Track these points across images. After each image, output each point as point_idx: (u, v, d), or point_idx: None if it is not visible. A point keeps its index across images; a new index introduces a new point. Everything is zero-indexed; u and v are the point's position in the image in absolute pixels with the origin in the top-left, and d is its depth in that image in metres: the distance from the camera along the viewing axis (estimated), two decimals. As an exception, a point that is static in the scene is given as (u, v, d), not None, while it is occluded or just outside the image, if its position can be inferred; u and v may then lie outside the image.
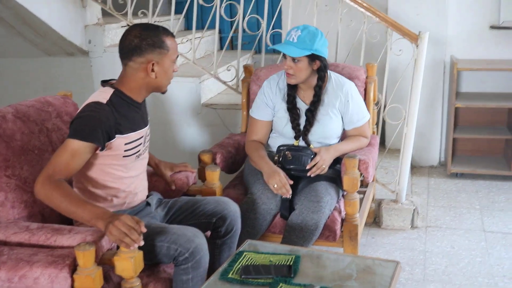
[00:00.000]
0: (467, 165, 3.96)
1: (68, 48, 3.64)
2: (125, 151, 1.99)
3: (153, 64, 1.95)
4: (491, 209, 3.42)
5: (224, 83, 3.55)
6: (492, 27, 3.94)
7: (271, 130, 2.66)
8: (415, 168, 4.08)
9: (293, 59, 2.41)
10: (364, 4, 3.04)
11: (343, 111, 2.57)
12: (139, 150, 2.06)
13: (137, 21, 3.51)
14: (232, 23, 4.52)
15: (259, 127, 2.63)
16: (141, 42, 1.92)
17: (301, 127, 2.54)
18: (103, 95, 1.95)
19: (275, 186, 2.38)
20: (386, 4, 3.84)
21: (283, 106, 2.57)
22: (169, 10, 4.80)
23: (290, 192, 2.38)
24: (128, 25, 3.54)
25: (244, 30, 3.38)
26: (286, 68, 2.45)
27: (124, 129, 1.97)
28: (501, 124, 4.06)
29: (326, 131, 2.55)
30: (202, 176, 2.55)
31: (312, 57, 2.41)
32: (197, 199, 2.23)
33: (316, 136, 2.55)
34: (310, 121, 2.52)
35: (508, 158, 3.98)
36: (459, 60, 3.81)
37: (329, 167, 2.52)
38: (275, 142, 2.63)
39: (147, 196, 2.19)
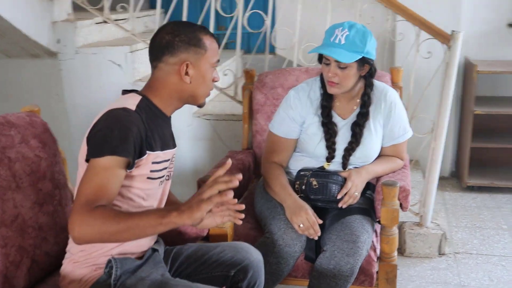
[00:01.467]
0: (483, 177, 3.59)
1: (32, 49, 3.05)
2: (151, 171, 1.55)
3: (187, 66, 1.54)
4: (521, 229, 3.06)
5: (221, 90, 3.05)
6: (510, 25, 3.58)
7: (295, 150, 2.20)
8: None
9: (339, 65, 1.95)
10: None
11: (385, 123, 2.12)
12: (163, 175, 1.62)
13: (115, 16, 2.99)
14: (219, 20, 4.06)
15: (282, 146, 2.16)
16: (174, 38, 1.54)
17: (336, 146, 2.09)
18: (130, 101, 1.52)
19: (301, 226, 1.93)
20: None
21: (316, 120, 2.11)
22: (149, 4, 4.31)
23: (319, 233, 1.94)
24: (104, 21, 3.02)
25: (243, 27, 2.89)
26: (331, 76, 1.98)
27: (155, 145, 1.54)
28: (518, 131, 3.72)
29: (368, 152, 2.11)
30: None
31: (362, 61, 1.97)
32: (208, 246, 1.76)
33: (355, 158, 2.10)
34: (357, 138, 2.07)
35: (526, 168, 3.63)
36: (478, 62, 3.42)
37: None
38: (298, 164, 2.16)
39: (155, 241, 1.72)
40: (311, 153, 2.13)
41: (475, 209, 3.33)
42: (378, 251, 2.11)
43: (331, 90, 2.04)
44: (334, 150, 2.08)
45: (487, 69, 3.34)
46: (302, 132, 2.14)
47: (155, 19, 3.02)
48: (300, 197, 2.03)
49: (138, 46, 3.01)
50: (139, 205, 1.56)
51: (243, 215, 1.58)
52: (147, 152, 1.51)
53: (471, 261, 2.74)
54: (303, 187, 2.05)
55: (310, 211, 1.94)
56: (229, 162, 1.38)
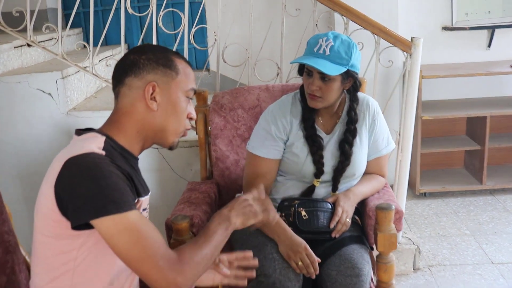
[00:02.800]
0: (434, 182, 3.57)
1: None
2: None
3: (153, 88, 1.28)
4: (483, 233, 3.02)
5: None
6: (445, 29, 3.59)
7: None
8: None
9: (323, 77, 1.78)
10: (346, 7, 2.45)
11: (370, 135, 1.97)
12: None
13: (41, 37, 2.61)
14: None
15: (266, 169, 1.92)
16: (140, 56, 1.30)
17: (324, 162, 1.90)
18: (92, 144, 1.21)
19: (300, 264, 1.71)
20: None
21: (300, 136, 1.91)
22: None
23: (318, 271, 1.72)
24: (28, 44, 2.63)
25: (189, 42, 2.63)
26: (314, 89, 1.81)
27: (137, 189, 1.28)
28: (461, 133, 3.74)
29: (356, 167, 1.93)
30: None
31: (347, 75, 1.80)
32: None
33: (344, 177, 1.93)
34: (347, 157, 1.89)
35: (471, 170, 3.66)
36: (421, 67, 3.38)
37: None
38: (281, 189, 1.95)
39: None
40: (298, 174, 1.92)
41: (433, 217, 3.27)
42: (374, 280, 1.94)
43: (312, 103, 1.86)
44: (322, 165, 1.89)
45: (431, 73, 3.31)
46: (285, 151, 1.93)
47: (82, 38, 2.66)
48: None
49: (69, 71, 2.65)
50: (118, 270, 1.27)
51: (254, 274, 1.36)
52: (137, 199, 1.25)
53: (447, 274, 2.65)
54: (291, 218, 1.84)
55: (308, 247, 1.73)
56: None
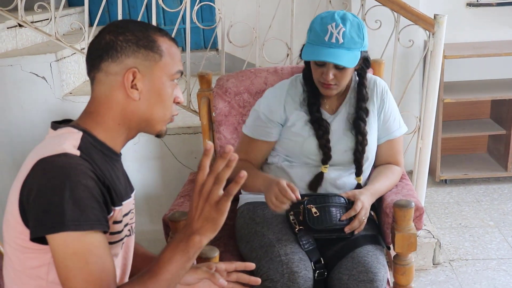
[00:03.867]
0: (456, 169, 3.36)
1: None
2: (110, 234, 1.10)
3: (134, 75, 1.10)
4: (508, 224, 2.83)
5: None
6: (470, 5, 3.35)
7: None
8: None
9: (338, 66, 1.65)
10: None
11: (378, 115, 1.84)
12: (124, 235, 1.18)
13: (37, 17, 2.45)
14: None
15: (255, 148, 1.85)
16: (117, 37, 1.11)
17: (332, 147, 1.77)
18: (67, 140, 1.06)
19: (273, 200, 1.57)
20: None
21: (301, 116, 1.79)
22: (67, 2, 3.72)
23: (298, 195, 1.56)
24: (19, 24, 2.46)
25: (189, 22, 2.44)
26: (329, 80, 1.68)
27: (116, 196, 1.11)
28: (485, 116, 3.52)
29: (369, 151, 1.81)
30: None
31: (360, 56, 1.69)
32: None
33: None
34: (363, 134, 1.77)
35: (495, 155, 3.44)
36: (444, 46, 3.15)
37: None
38: (289, 179, 1.76)
39: None
40: (300, 155, 1.79)
41: (454, 206, 3.08)
42: (391, 283, 1.77)
43: (327, 92, 1.74)
44: (329, 149, 1.76)
45: (454, 53, 3.08)
46: (285, 131, 1.81)
47: (84, 18, 2.49)
48: (299, 230, 1.65)
49: (64, 52, 2.48)
50: None
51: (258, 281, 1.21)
52: (113, 208, 1.08)
53: (469, 269, 2.46)
54: (301, 217, 1.67)
55: (282, 181, 1.57)
56: (230, 148, 1.00)
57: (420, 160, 2.41)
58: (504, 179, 3.34)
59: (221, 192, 0.99)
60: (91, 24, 2.46)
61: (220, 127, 2.15)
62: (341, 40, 1.63)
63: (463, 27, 3.37)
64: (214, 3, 3.15)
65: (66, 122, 1.16)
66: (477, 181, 3.35)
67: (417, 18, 2.24)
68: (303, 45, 1.77)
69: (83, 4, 2.43)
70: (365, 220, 1.69)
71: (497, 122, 3.40)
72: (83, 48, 2.48)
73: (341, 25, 1.63)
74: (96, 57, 1.11)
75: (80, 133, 1.09)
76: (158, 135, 1.21)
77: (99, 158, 1.09)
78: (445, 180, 3.35)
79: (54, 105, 2.40)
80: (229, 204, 1.00)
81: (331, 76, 1.67)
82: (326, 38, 1.64)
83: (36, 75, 2.38)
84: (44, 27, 2.48)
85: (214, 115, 2.16)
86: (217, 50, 3.75)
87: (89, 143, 1.09)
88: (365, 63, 1.77)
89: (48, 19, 2.77)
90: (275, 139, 1.84)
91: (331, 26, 1.63)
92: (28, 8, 2.43)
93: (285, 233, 1.68)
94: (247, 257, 1.72)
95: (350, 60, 1.65)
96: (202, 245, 1.03)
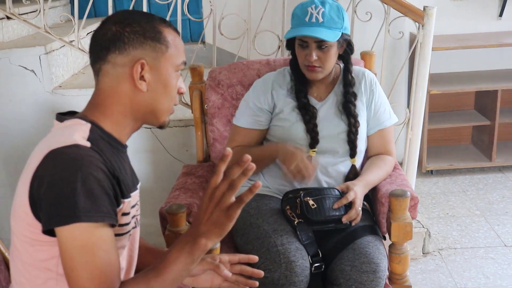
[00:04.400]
0: (441, 159, 3.41)
1: None
2: (119, 226, 1.10)
3: (142, 66, 1.10)
4: (494, 213, 2.89)
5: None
6: (454, -3, 3.39)
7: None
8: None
9: (320, 46, 1.71)
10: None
11: (368, 105, 1.88)
12: (131, 226, 1.18)
13: (24, 9, 2.41)
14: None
15: (244, 138, 1.88)
16: (124, 28, 1.10)
17: (321, 132, 1.81)
18: (76, 132, 1.06)
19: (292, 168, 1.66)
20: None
21: (289, 102, 1.84)
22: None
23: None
24: (7, 16, 2.42)
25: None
26: (313, 61, 1.73)
27: (126, 189, 1.11)
28: (469, 107, 3.58)
29: (360, 138, 1.85)
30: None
31: (342, 38, 1.75)
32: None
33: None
34: (354, 116, 1.82)
35: (480, 146, 3.50)
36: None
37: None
38: (277, 170, 1.80)
39: None
40: (288, 140, 1.80)
41: (441, 196, 3.13)
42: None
43: (312, 75, 1.78)
44: (316, 133, 1.80)
45: (440, 45, 3.12)
46: (274, 119, 1.86)
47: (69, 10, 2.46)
48: (298, 223, 1.66)
49: (53, 45, 2.45)
50: None
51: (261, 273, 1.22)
52: (122, 201, 1.08)
53: (458, 258, 2.51)
54: (298, 210, 1.68)
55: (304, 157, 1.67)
56: (229, 151, 0.99)
57: (409, 151, 2.45)
58: (488, 169, 3.40)
59: (233, 199, 0.99)
60: (80, 17, 2.42)
61: (213, 119, 2.15)
62: (320, 19, 1.69)
63: (448, 19, 3.40)
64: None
65: (70, 114, 1.16)
66: (462, 172, 3.41)
67: (407, 9, 2.27)
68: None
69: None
70: (360, 211, 1.71)
71: (481, 113, 3.46)
72: (72, 41, 2.44)
73: (320, 6, 1.71)
74: (102, 49, 1.10)
75: (89, 125, 1.09)
76: (161, 126, 1.21)
77: (108, 150, 1.09)
78: (431, 171, 3.40)
79: (44, 98, 2.37)
80: (239, 211, 0.99)
81: (314, 56, 1.71)
82: (307, 19, 1.71)
83: (25, 68, 2.35)
84: (31, 20, 2.43)
85: (206, 107, 2.16)
86: (203, 42, 3.73)
87: (98, 134, 1.09)
88: (348, 47, 1.82)
89: (34, 11, 2.75)
90: (265, 127, 1.87)
91: (311, 8, 1.71)
92: (15, 0, 2.40)
93: (280, 223, 1.69)
94: (243, 249, 1.73)
95: (330, 35, 1.70)
96: (207, 249, 1.03)
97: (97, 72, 1.13)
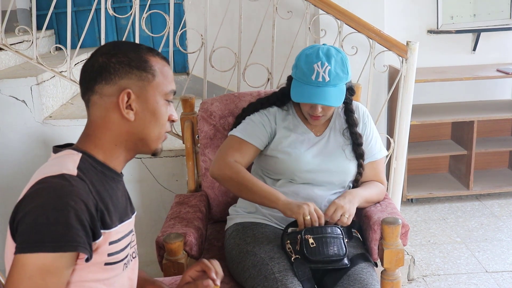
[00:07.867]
0: (420, 188, 3.51)
1: None
2: (109, 255, 1.12)
3: (128, 95, 1.13)
4: (474, 240, 2.97)
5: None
6: (430, 32, 3.54)
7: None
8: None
9: None
10: (340, 10, 2.35)
11: None
12: (127, 255, 1.19)
13: (12, 40, 2.43)
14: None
15: (243, 148, 1.85)
16: (110, 59, 1.14)
17: (322, 165, 1.85)
18: (67, 162, 1.09)
19: (308, 218, 1.65)
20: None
21: (289, 135, 1.88)
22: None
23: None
24: (-1, 48, 2.44)
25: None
26: (318, 113, 1.79)
27: (110, 220, 1.12)
28: (446, 137, 3.70)
29: (341, 172, 1.89)
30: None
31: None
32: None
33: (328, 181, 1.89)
34: (358, 137, 1.88)
35: (457, 175, 3.61)
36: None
37: (347, 234, 1.78)
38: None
39: None
40: (296, 166, 1.82)
41: (422, 224, 3.21)
42: (379, 298, 1.84)
43: (315, 122, 1.86)
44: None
45: (418, 77, 3.23)
46: (271, 149, 1.86)
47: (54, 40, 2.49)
48: (295, 259, 1.66)
49: (44, 76, 2.47)
50: None
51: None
52: (102, 232, 1.09)
53: (442, 284, 2.57)
54: (297, 247, 1.68)
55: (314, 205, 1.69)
56: None
57: (394, 180, 2.52)
58: (466, 197, 3.51)
59: None
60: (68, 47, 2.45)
61: (205, 149, 2.19)
62: (327, 79, 1.72)
63: (425, 52, 3.54)
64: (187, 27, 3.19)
65: (67, 146, 1.18)
66: (441, 200, 3.51)
67: (391, 44, 2.37)
68: (288, 77, 1.87)
69: (53, 28, 2.43)
70: (350, 218, 1.73)
71: (458, 143, 3.58)
72: (63, 71, 2.47)
73: (326, 63, 1.72)
74: (90, 80, 1.14)
75: (80, 155, 1.12)
76: (154, 154, 1.23)
77: (98, 179, 1.11)
78: (412, 199, 3.49)
79: (34, 128, 2.38)
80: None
81: (319, 110, 1.77)
82: (313, 77, 1.72)
83: (16, 98, 2.36)
84: (23, 51, 2.45)
85: (198, 138, 2.20)
86: (187, 73, 3.79)
87: (89, 164, 1.12)
88: (349, 92, 1.87)
89: (22, 41, 2.77)
90: (261, 147, 1.87)
91: (317, 66, 1.72)
92: (8, 30, 2.42)
93: (276, 251, 1.71)
94: (239, 277, 1.75)
95: (337, 98, 1.74)
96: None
97: (87, 103, 1.17)
